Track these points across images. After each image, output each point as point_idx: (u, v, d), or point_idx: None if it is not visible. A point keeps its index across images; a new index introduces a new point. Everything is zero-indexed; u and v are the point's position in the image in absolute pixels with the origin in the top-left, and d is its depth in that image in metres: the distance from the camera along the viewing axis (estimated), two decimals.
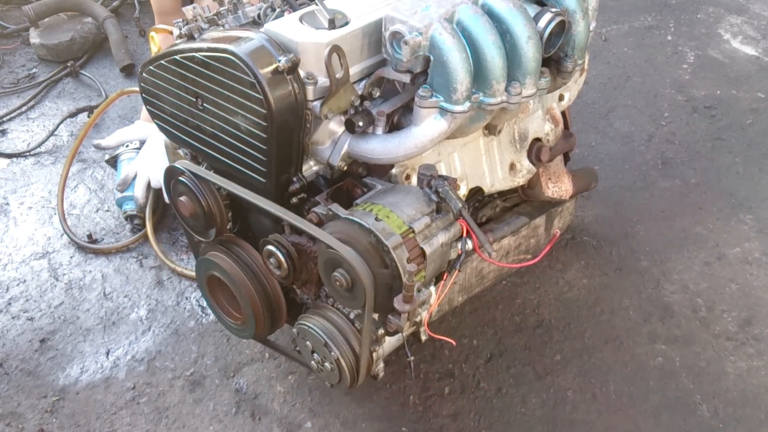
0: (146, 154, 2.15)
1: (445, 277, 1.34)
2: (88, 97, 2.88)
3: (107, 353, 1.89)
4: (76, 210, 2.33)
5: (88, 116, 2.62)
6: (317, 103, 1.30)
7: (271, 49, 1.26)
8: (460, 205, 1.27)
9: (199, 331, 1.93)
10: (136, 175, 2.15)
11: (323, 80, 1.29)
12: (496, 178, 1.66)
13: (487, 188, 1.64)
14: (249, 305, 1.52)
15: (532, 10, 1.39)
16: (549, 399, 1.76)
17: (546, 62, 1.46)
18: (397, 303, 1.21)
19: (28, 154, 2.57)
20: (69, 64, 2.98)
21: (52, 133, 2.61)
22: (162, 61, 1.44)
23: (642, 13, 3.31)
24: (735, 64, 2.95)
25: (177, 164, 1.50)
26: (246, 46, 1.26)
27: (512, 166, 1.69)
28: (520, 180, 1.71)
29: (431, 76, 1.30)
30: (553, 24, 1.36)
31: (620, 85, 2.84)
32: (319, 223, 1.33)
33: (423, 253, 1.27)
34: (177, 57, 1.38)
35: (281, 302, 1.55)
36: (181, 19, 1.50)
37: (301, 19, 1.32)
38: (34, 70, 3.05)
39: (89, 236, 2.21)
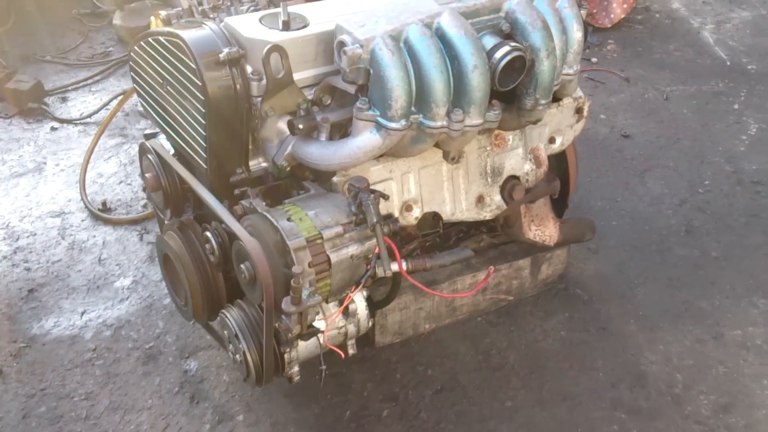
0: None
1: (353, 290, 1.34)
2: None
3: (82, 314, 1.99)
4: (102, 179, 2.47)
5: None
6: (260, 100, 1.34)
7: (218, 40, 1.30)
8: (375, 219, 1.27)
9: (171, 310, 2.00)
10: None
11: None
12: (458, 208, 1.63)
13: (447, 216, 1.62)
14: (189, 287, 1.56)
15: (494, 40, 1.37)
16: None
17: (509, 97, 1.44)
18: (285, 303, 1.22)
19: (77, 122, 2.75)
20: None
21: (103, 106, 2.79)
22: (145, 41, 1.51)
23: (715, 77, 3.16)
24: None
25: (147, 142, 1.58)
26: (194, 33, 1.31)
27: (481, 199, 1.66)
28: (487, 214, 1.68)
29: (370, 89, 1.31)
30: (508, 57, 1.34)
31: (667, 145, 2.72)
32: (242, 215, 1.36)
33: (328, 261, 1.27)
34: (150, 39, 1.45)
35: (221, 289, 1.58)
36: (180, 8, 1.59)
37: (261, 19, 1.36)
38: (110, 49, 3.27)
39: (103, 204, 2.33)
